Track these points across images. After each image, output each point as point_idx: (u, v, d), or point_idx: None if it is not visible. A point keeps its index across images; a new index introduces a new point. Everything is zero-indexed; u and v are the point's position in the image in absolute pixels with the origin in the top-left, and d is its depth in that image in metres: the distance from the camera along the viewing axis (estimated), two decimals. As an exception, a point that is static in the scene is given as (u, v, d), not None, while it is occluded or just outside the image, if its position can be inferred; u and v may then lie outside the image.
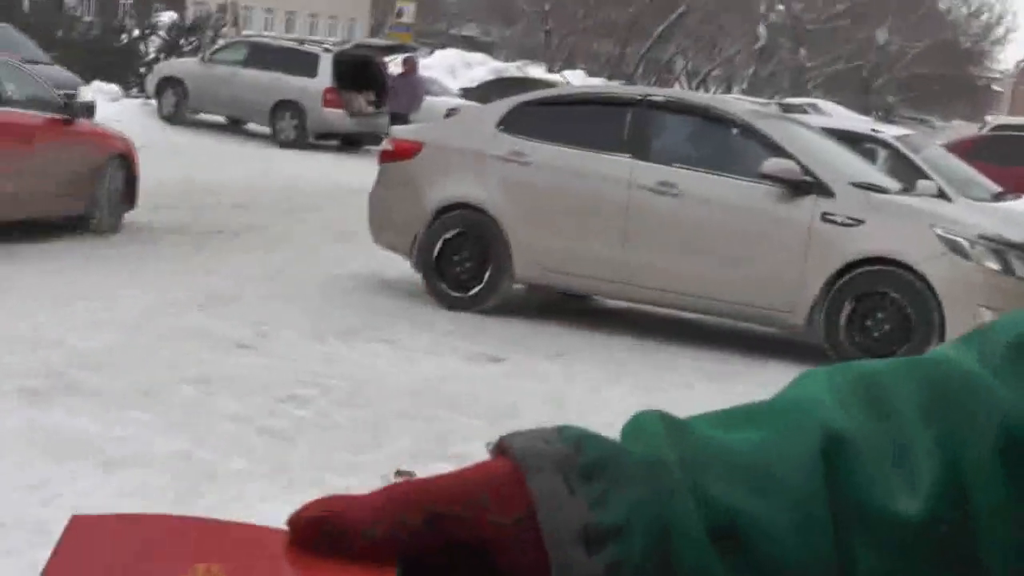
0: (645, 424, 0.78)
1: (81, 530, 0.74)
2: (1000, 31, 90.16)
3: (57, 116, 15.26)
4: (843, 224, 11.38)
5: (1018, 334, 0.85)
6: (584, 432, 0.76)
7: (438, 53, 40.87)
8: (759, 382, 10.20)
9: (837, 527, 0.78)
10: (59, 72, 23.85)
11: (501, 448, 0.76)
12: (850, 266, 11.29)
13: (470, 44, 69.24)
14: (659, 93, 14.54)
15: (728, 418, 0.81)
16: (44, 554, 0.70)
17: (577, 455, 0.74)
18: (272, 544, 0.73)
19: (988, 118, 40.28)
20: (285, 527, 0.73)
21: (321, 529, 0.71)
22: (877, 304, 11.28)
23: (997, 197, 15.38)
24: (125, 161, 16.05)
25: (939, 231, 11.29)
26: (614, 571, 0.72)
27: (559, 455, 0.74)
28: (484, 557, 0.73)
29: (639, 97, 13.23)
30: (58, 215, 15.10)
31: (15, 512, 6.31)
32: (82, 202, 15.30)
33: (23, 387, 8.60)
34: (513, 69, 39.23)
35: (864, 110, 49.86)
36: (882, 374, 0.84)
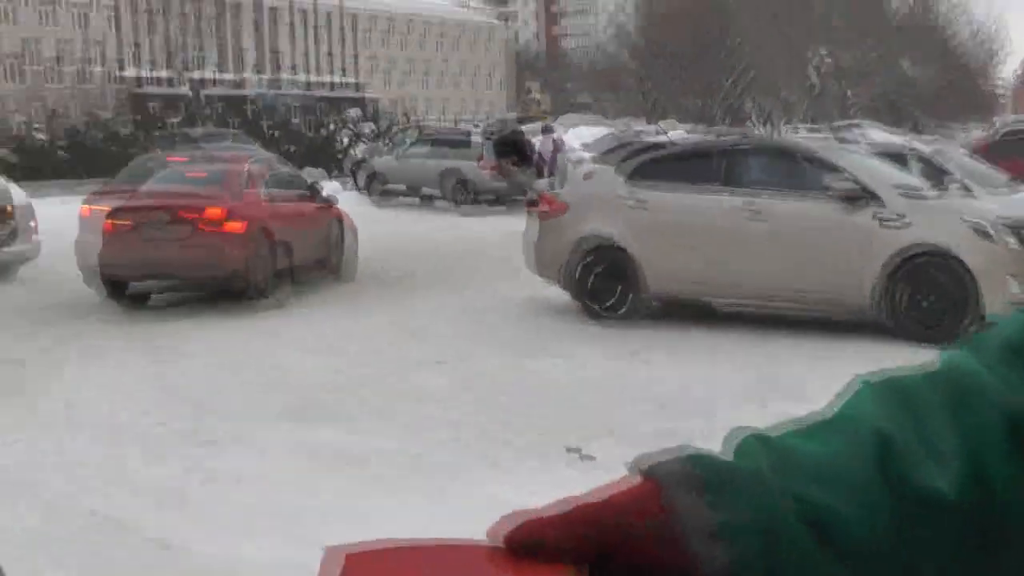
0: (746, 443, 0.81)
1: (333, 562, 0.75)
2: (999, 49, 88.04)
3: (310, 195, 16.81)
4: (893, 224, 11.23)
5: (1006, 337, 0.87)
6: (705, 454, 0.79)
7: (572, 129, 40.87)
8: (847, 357, 10.11)
9: (894, 508, 0.80)
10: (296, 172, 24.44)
11: (643, 470, 0.79)
12: (902, 256, 11.14)
13: (585, 109, 69.08)
14: (742, 140, 14.50)
15: (804, 430, 0.83)
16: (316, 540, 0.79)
17: (702, 473, 0.77)
18: (483, 557, 0.76)
19: (995, 120, 39.30)
20: (488, 541, 0.75)
21: (527, 544, 0.74)
22: (926, 284, 11.12)
23: (1010, 186, 15.09)
24: (352, 227, 17.28)
25: (967, 221, 11.12)
26: (740, 558, 0.76)
27: (689, 474, 0.77)
28: (633, 553, 0.77)
29: (727, 145, 13.26)
30: (315, 270, 16.09)
31: (288, 507, 6.50)
32: (330, 256, 16.55)
33: (286, 407, 8.86)
34: (624, 128, 39.08)
35: (897, 125, 48.91)
36: (911, 385, 0.86)
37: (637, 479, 0.79)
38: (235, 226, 14.18)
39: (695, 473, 0.78)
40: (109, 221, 14.26)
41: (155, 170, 16.12)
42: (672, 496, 0.77)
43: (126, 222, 14.18)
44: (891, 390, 0.86)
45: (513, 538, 0.75)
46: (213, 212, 14.22)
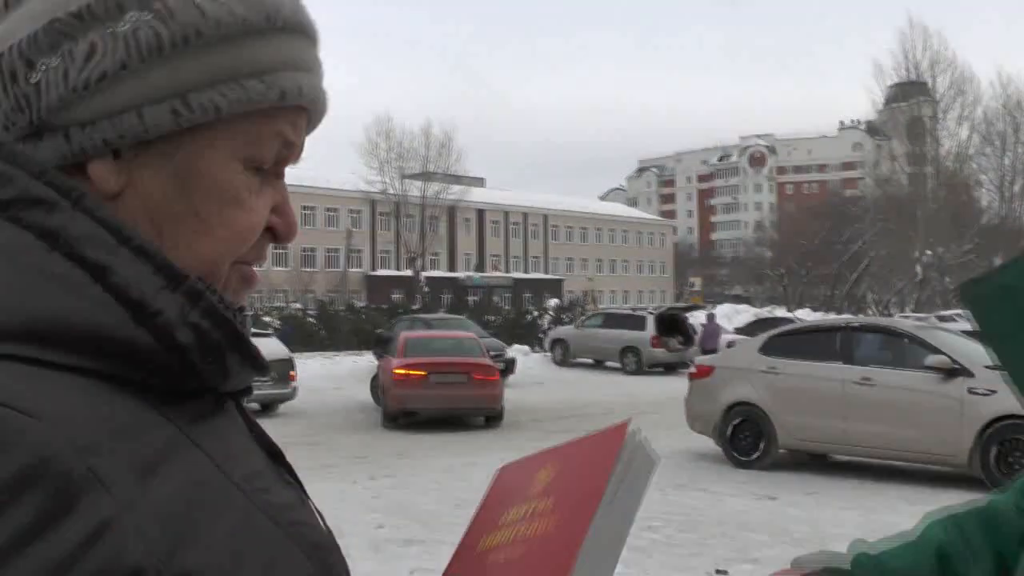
0: (854, 548, 1.03)
1: (499, 473, 0.76)
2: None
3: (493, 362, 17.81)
4: (983, 394, 10.80)
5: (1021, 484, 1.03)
6: (831, 552, 1.01)
7: (719, 307, 40.77)
8: (941, 503, 9.73)
9: None
10: (494, 341, 24.76)
11: (796, 560, 1.01)
12: (992, 422, 10.66)
13: (735, 298, 68.64)
14: (855, 320, 14.25)
15: (895, 549, 1.03)
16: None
17: (829, 564, 1.00)
18: (595, 449, 0.73)
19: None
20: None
21: None
22: (1014, 445, 10.59)
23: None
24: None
25: None
26: None
27: (823, 569, 1.00)
28: None
29: (843, 324, 13.05)
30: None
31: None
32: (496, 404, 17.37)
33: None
34: (765, 312, 38.76)
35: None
36: (962, 517, 1.03)
37: (794, 570, 1.00)
38: (494, 376, 16.47)
39: (826, 570, 1.00)
40: (403, 372, 16.00)
41: (420, 341, 17.69)
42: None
43: (420, 373, 15.97)
44: (950, 521, 1.04)
45: None
46: (482, 367, 16.37)
